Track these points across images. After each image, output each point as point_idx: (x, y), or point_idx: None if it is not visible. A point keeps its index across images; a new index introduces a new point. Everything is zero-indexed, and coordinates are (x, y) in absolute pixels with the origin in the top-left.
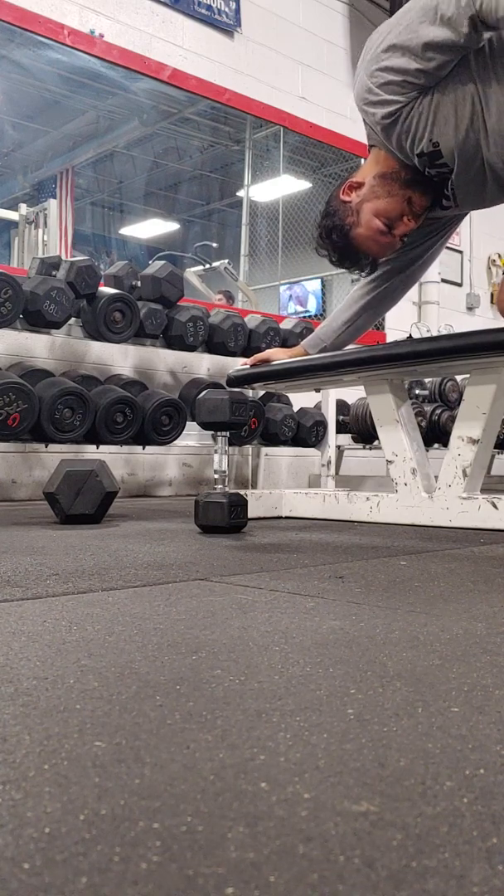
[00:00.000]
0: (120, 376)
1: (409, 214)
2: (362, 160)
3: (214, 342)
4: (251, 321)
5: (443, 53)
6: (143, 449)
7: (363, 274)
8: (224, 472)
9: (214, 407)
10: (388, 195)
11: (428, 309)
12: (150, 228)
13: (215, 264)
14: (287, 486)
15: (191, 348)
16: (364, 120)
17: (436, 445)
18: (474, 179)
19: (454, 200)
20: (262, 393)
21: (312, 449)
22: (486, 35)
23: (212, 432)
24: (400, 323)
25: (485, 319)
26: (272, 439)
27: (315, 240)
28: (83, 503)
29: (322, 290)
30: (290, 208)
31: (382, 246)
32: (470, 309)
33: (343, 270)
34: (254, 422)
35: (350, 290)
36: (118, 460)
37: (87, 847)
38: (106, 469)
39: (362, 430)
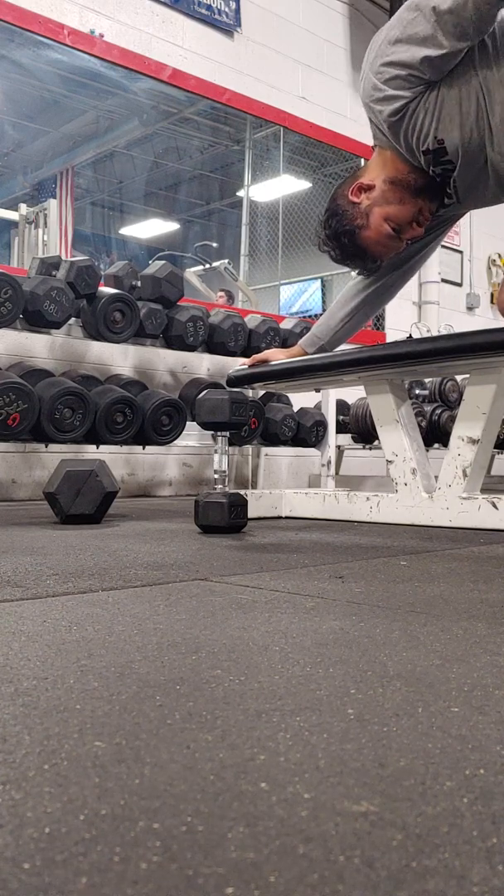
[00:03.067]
0: (120, 376)
1: (418, 221)
2: (362, 160)
3: (214, 342)
4: (251, 321)
5: (448, 41)
6: (143, 449)
7: (363, 273)
8: (224, 472)
9: (214, 407)
10: (399, 202)
11: (428, 309)
12: (150, 228)
13: (215, 264)
14: (287, 486)
15: (191, 348)
16: (370, 119)
17: (436, 445)
18: (477, 177)
19: (456, 197)
20: (262, 393)
21: (312, 449)
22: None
23: (212, 432)
24: (400, 323)
25: (485, 319)
26: (272, 439)
27: (320, 239)
28: (83, 503)
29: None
30: (290, 208)
31: (389, 248)
32: (470, 309)
33: (343, 270)
34: (254, 422)
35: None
36: (118, 460)
37: (87, 847)
38: (106, 469)
39: (362, 430)
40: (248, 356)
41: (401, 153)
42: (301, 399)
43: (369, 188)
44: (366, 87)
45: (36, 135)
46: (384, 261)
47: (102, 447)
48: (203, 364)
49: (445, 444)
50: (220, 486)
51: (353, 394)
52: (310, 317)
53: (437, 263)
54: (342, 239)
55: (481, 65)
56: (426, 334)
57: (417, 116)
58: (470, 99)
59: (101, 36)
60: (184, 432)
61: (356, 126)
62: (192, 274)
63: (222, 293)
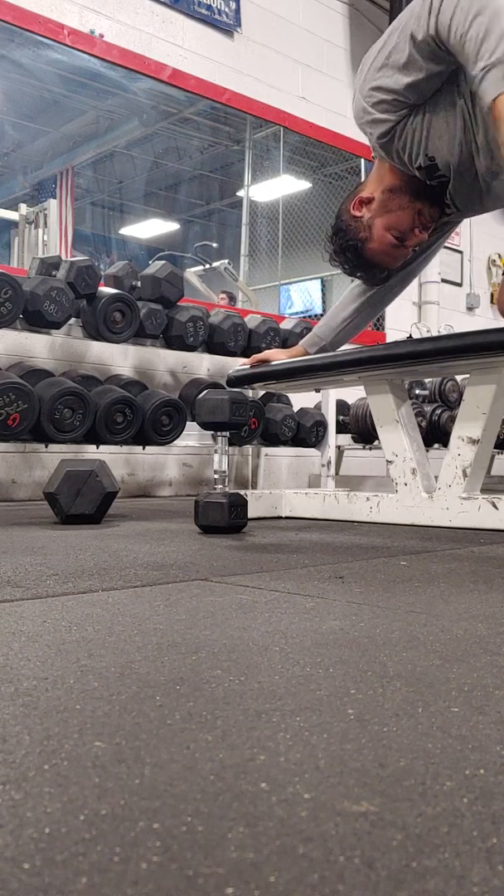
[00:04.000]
0: (120, 376)
1: (420, 226)
2: (362, 160)
3: (214, 342)
4: (251, 321)
5: (427, 65)
6: (143, 449)
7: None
8: (224, 472)
9: (214, 407)
10: (398, 209)
11: (428, 309)
12: (150, 228)
13: (215, 264)
14: (287, 486)
15: (191, 348)
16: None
17: (436, 445)
18: (471, 189)
19: (455, 207)
20: (262, 393)
21: (312, 449)
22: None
23: (212, 432)
24: (400, 323)
25: (485, 319)
26: (272, 439)
27: (329, 254)
28: (83, 503)
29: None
30: (290, 208)
31: (395, 257)
32: (470, 309)
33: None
34: (254, 422)
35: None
36: (118, 460)
37: (87, 847)
38: (106, 469)
39: (362, 430)
40: (248, 356)
41: (397, 165)
42: (301, 399)
43: (369, 201)
44: (356, 108)
45: (36, 135)
46: (394, 269)
47: (102, 447)
48: (203, 364)
49: (445, 444)
50: (220, 486)
51: (353, 394)
52: (310, 317)
53: (437, 264)
54: (347, 254)
55: (465, 84)
56: (426, 334)
57: (406, 137)
58: (456, 117)
59: (101, 36)
60: (184, 432)
61: (356, 126)
62: (192, 274)
63: (224, 295)
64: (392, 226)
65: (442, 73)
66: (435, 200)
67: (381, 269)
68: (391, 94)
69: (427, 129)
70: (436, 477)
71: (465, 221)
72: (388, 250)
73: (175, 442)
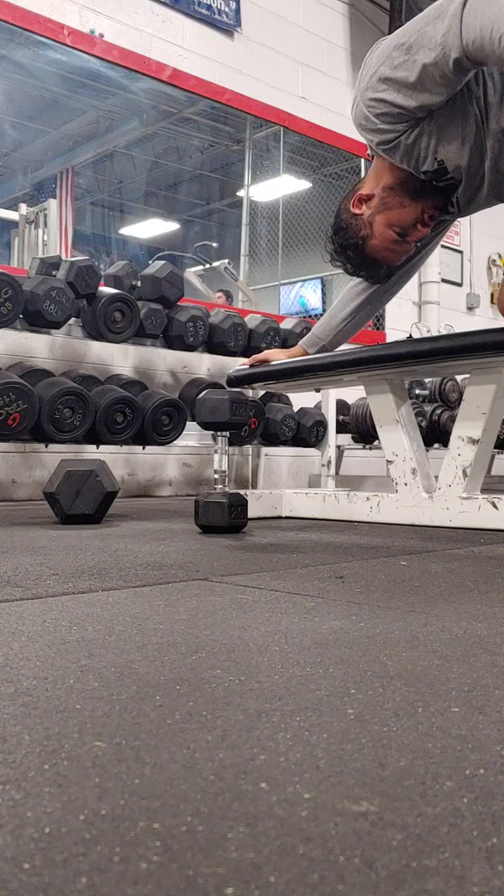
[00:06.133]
0: (120, 376)
1: (422, 221)
2: (362, 160)
3: (214, 342)
4: (251, 321)
5: (437, 90)
6: (143, 449)
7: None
8: (224, 472)
9: (214, 407)
10: (399, 206)
11: (428, 309)
12: (150, 228)
13: (215, 264)
14: (287, 486)
15: (191, 348)
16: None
17: (436, 445)
18: (477, 189)
19: (458, 208)
20: (262, 393)
21: (312, 449)
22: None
23: (212, 432)
24: (400, 323)
25: (485, 319)
26: (272, 439)
27: (329, 254)
28: (83, 503)
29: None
30: (290, 208)
31: (397, 253)
32: (470, 309)
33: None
34: (254, 422)
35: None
36: (118, 460)
37: (87, 847)
38: (106, 469)
39: (362, 430)
40: (248, 356)
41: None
42: (301, 399)
43: (369, 198)
44: (357, 114)
45: (36, 135)
46: (395, 265)
47: (102, 447)
48: (203, 364)
49: (445, 444)
50: (220, 486)
51: (353, 394)
52: (310, 317)
53: (437, 263)
54: (349, 253)
55: (476, 89)
56: (426, 334)
57: (413, 142)
58: (469, 121)
59: (101, 36)
60: (184, 432)
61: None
62: (192, 274)
63: (220, 293)
64: (394, 222)
65: (454, 89)
66: (438, 197)
67: (383, 266)
68: (397, 109)
69: (438, 135)
70: (436, 477)
71: (465, 221)
72: (390, 246)
73: (175, 442)
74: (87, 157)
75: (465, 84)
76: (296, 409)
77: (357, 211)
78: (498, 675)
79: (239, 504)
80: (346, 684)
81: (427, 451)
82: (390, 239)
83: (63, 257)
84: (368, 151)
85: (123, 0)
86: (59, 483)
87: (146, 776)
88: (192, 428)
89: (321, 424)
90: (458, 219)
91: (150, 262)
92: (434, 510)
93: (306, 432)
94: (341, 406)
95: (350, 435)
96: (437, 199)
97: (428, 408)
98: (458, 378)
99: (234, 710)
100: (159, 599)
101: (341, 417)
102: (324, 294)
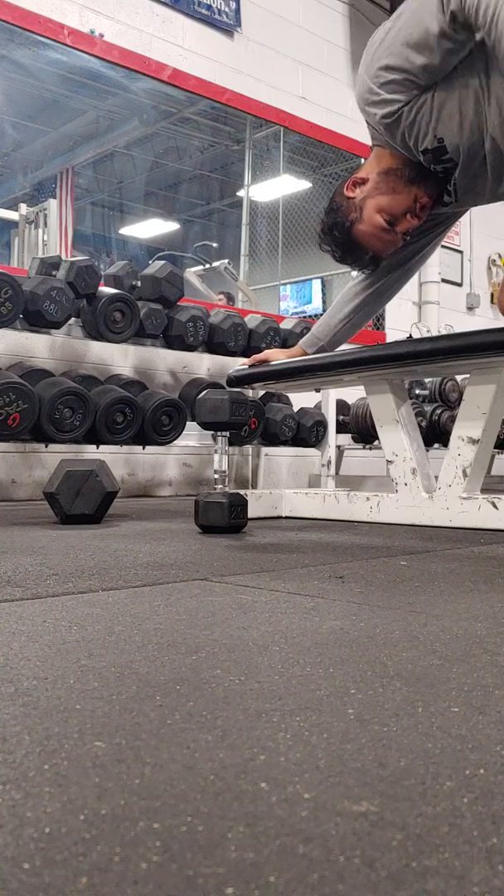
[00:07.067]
0: (120, 376)
1: (413, 212)
2: (362, 160)
3: (214, 342)
4: (251, 321)
5: (443, 49)
6: (143, 449)
7: (363, 270)
8: (224, 472)
9: (214, 407)
10: (392, 192)
11: (428, 309)
12: (150, 228)
13: (215, 264)
14: (287, 486)
15: (191, 348)
16: (367, 121)
17: (436, 445)
18: (476, 174)
19: (455, 196)
20: (262, 393)
21: (312, 449)
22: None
23: (212, 432)
24: (400, 323)
25: (485, 319)
26: (272, 439)
27: (318, 235)
28: (83, 503)
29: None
30: (290, 208)
31: (385, 243)
32: (470, 309)
33: (344, 269)
34: (254, 422)
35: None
36: (118, 460)
37: (87, 847)
38: (106, 469)
39: (362, 430)
40: (248, 356)
41: (397, 149)
42: (301, 399)
43: (363, 182)
44: (361, 90)
45: (36, 135)
46: (383, 258)
47: (102, 447)
48: (203, 364)
49: (445, 444)
50: (220, 486)
51: (353, 394)
52: (310, 317)
53: (437, 263)
54: (335, 233)
55: (481, 62)
56: (426, 334)
57: (414, 117)
58: (469, 97)
59: (101, 36)
60: (184, 432)
61: (356, 126)
62: (192, 274)
63: (222, 295)
64: (384, 208)
65: (458, 55)
66: (433, 186)
67: (368, 252)
68: (402, 74)
69: (438, 110)
70: (436, 477)
71: (465, 221)
72: (378, 233)
73: (175, 442)
74: (87, 157)
75: (469, 59)
76: (296, 409)
77: (350, 194)
78: (498, 675)
79: (239, 504)
80: (346, 684)
81: (427, 451)
82: (378, 226)
83: (63, 257)
84: (372, 144)
85: (123, 0)
86: (59, 483)
87: (146, 776)
88: (192, 428)
89: (321, 424)
90: (459, 219)
91: (150, 262)
92: (434, 510)
93: (306, 432)
94: (341, 406)
95: (350, 435)
96: (431, 188)
97: (428, 408)
98: (458, 378)
99: (234, 710)
100: (159, 599)
101: (341, 417)
102: (324, 295)
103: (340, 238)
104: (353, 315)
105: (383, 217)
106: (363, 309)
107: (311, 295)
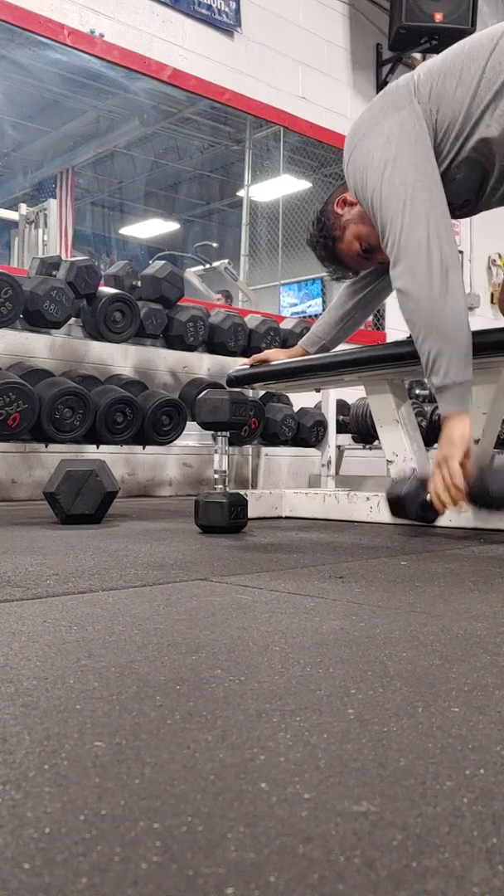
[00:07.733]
0: (120, 376)
1: None
2: None
3: (214, 342)
4: (251, 321)
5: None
6: (143, 449)
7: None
8: (224, 472)
9: (215, 407)
10: (372, 225)
11: None
12: (150, 228)
13: (215, 264)
14: (287, 486)
15: (191, 348)
16: None
17: (436, 445)
18: (465, 204)
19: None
20: (262, 393)
21: (312, 449)
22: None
23: (212, 432)
24: (400, 323)
25: (485, 319)
26: (272, 439)
27: (307, 240)
28: (83, 503)
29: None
30: (291, 208)
31: (360, 264)
32: (470, 309)
33: None
34: (254, 422)
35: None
36: (118, 460)
37: (87, 847)
38: (106, 469)
39: (362, 430)
40: (248, 356)
41: None
42: (301, 399)
43: (352, 204)
44: (349, 178)
45: (36, 135)
46: (358, 273)
47: (102, 447)
48: (203, 364)
49: None
50: (220, 486)
51: (353, 394)
52: (310, 317)
53: None
54: (318, 242)
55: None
56: None
57: None
58: (475, 170)
59: (102, 36)
60: (184, 432)
61: None
62: (192, 274)
63: (220, 294)
64: (363, 237)
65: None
66: None
67: (347, 269)
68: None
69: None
70: None
71: (465, 221)
72: (354, 257)
73: (175, 442)
74: (87, 157)
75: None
76: (296, 409)
77: (339, 210)
78: (498, 675)
79: (239, 504)
80: (346, 684)
81: (427, 451)
82: (355, 251)
83: (63, 257)
84: None
85: (123, 0)
86: (59, 483)
87: (146, 776)
88: (192, 428)
89: (321, 424)
90: (459, 219)
91: (150, 262)
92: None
93: (306, 432)
94: (341, 406)
95: (350, 435)
96: None
97: (428, 408)
98: None
99: (234, 710)
100: (159, 599)
101: (341, 417)
102: (324, 295)
103: (323, 252)
104: (354, 312)
105: (361, 245)
106: (361, 308)
107: (319, 290)
